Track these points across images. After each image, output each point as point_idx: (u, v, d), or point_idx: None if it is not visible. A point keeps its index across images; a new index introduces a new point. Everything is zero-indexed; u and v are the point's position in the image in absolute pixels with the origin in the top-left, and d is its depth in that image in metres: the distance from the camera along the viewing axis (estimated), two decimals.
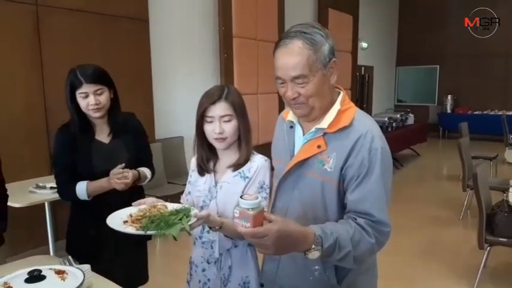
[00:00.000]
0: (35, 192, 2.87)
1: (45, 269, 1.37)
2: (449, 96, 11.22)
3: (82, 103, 1.83)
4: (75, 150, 1.88)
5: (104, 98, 1.85)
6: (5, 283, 1.29)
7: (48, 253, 3.02)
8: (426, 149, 9.22)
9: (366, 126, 1.21)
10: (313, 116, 1.27)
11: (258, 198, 1.03)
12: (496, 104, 10.70)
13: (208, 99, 1.42)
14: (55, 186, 2.08)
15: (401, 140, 7.56)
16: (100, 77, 1.85)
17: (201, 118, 1.44)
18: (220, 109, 1.41)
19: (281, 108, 6.32)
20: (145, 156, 2.08)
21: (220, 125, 1.41)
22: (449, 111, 11.26)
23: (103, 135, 1.94)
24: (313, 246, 1.07)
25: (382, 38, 11.24)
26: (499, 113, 10.07)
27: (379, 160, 1.17)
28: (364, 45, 9.93)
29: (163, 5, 4.75)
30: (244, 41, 5.75)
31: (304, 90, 1.19)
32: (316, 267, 1.26)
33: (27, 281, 1.30)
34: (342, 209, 1.23)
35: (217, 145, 1.46)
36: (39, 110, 3.62)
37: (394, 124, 7.72)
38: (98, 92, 1.82)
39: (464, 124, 6.72)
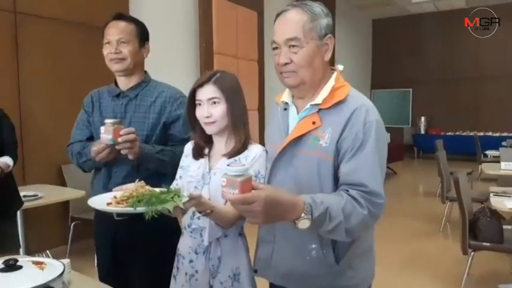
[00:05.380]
0: None
1: (22, 260, 1.26)
2: (422, 118, 11.54)
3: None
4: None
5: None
6: None
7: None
8: (403, 168, 9.37)
9: (361, 100, 1.21)
10: (304, 90, 1.26)
11: (245, 165, 1.02)
12: (466, 125, 11.05)
13: (197, 82, 1.41)
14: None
15: None
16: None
17: (191, 101, 1.42)
18: (207, 92, 1.39)
19: (261, 125, 6.31)
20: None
21: (208, 108, 1.39)
22: (423, 132, 11.56)
23: None
24: (302, 214, 1.05)
25: (357, 61, 11.55)
26: (471, 134, 10.40)
27: (374, 132, 1.16)
28: (340, 67, 10.16)
29: (143, 18, 4.73)
30: (225, 58, 5.79)
31: (296, 56, 1.19)
32: (313, 245, 1.22)
33: (2, 270, 1.20)
34: (338, 186, 1.20)
35: (207, 129, 1.42)
36: (13, 119, 3.48)
37: None
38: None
39: (440, 141, 6.92)
